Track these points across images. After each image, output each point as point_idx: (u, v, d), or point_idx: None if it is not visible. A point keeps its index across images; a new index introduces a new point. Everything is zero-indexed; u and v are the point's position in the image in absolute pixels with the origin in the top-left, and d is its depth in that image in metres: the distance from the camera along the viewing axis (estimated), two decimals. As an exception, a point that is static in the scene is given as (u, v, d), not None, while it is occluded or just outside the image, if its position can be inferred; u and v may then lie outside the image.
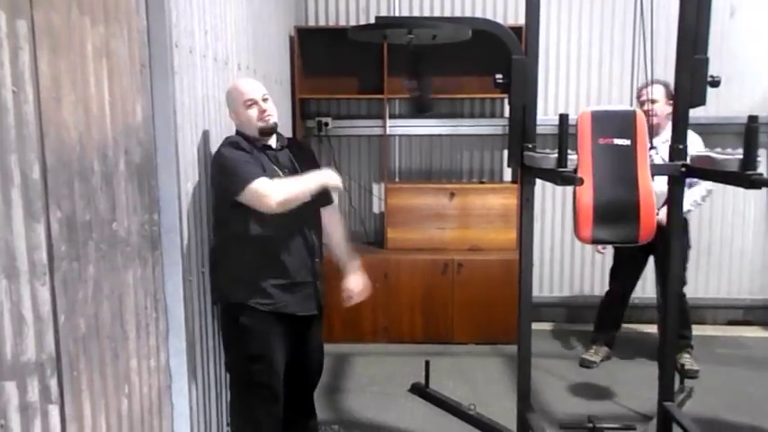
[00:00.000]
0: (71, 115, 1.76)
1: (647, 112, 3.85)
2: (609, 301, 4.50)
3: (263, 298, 2.71)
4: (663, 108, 3.97)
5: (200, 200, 2.75)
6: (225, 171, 2.64)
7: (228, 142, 2.71)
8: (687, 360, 4.22)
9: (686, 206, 4.04)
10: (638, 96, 4.01)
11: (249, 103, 2.74)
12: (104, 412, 1.93)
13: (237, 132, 2.81)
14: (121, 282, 2.07)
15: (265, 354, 2.74)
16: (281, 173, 2.73)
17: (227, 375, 2.97)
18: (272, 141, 2.82)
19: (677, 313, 3.04)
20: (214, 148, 2.92)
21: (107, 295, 1.96)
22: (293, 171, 2.79)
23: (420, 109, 2.97)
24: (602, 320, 4.51)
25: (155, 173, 2.36)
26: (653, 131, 3.94)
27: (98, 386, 1.90)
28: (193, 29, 2.69)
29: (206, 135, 2.84)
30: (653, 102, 3.88)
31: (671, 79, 2.89)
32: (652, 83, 3.27)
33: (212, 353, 2.88)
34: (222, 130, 3.01)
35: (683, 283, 4.35)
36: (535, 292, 3.20)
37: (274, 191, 2.57)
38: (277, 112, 2.85)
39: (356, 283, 3.07)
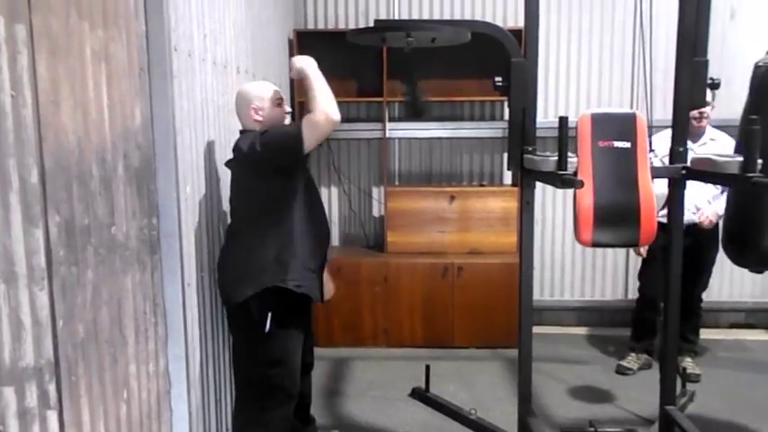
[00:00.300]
0: (70, 119, 1.76)
1: (700, 115, 3.95)
2: (641, 306, 4.40)
3: (301, 281, 2.70)
4: (710, 111, 4.03)
5: (199, 204, 2.74)
6: (279, 139, 2.63)
7: (262, 131, 2.68)
8: (689, 364, 4.21)
9: (723, 209, 4.04)
10: None
11: (279, 101, 2.83)
12: (103, 418, 1.92)
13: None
14: (120, 286, 2.06)
15: (286, 357, 2.76)
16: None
17: (232, 378, 2.96)
18: None
19: (679, 315, 3.03)
20: (214, 151, 2.92)
21: (106, 300, 1.95)
22: None
23: (413, 113, 2.98)
24: (637, 327, 4.43)
25: (154, 177, 2.36)
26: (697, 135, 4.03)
27: (97, 391, 1.89)
28: (192, 33, 2.69)
29: (205, 139, 2.83)
30: (707, 105, 3.91)
31: (671, 82, 2.87)
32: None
33: (212, 357, 2.87)
34: (221, 133, 3.00)
35: (704, 288, 4.33)
36: (536, 296, 3.19)
37: (323, 108, 2.57)
38: None
39: (330, 284, 3.12)
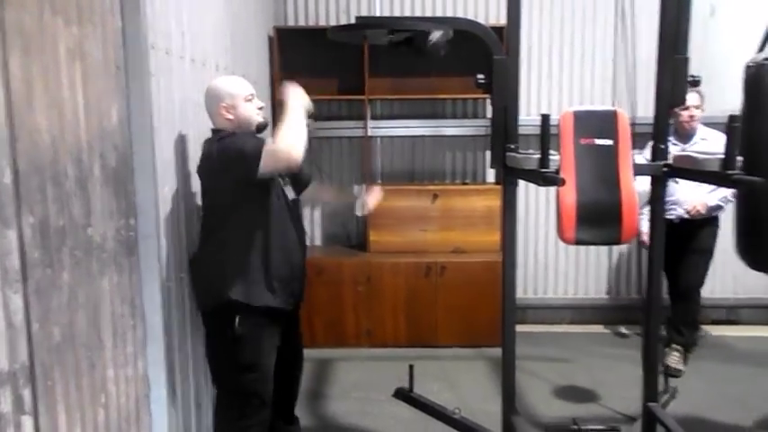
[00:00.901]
0: (44, 119, 1.72)
1: (690, 118, 4.10)
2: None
3: (261, 295, 2.64)
4: (699, 114, 4.18)
5: (177, 204, 2.71)
6: (235, 156, 2.50)
7: (222, 137, 2.60)
8: (675, 357, 4.23)
9: (715, 200, 4.07)
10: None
11: (250, 97, 2.71)
12: (80, 423, 1.89)
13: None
14: (97, 289, 2.03)
15: (258, 362, 2.69)
16: None
17: (211, 384, 2.92)
18: None
19: (660, 312, 3.03)
20: (192, 151, 2.88)
21: (82, 303, 1.92)
22: None
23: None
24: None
25: (131, 177, 2.32)
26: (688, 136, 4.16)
27: (74, 396, 1.85)
28: (170, 30, 2.65)
29: (183, 138, 2.80)
30: (697, 107, 4.10)
31: (652, 79, 2.88)
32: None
33: (191, 361, 2.84)
34: (200, 132, 2.96)
35: (701, 281, 4.35)
36: (519, 294, 3.18)
37: (288, 144, 2.51)
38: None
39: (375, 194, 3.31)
